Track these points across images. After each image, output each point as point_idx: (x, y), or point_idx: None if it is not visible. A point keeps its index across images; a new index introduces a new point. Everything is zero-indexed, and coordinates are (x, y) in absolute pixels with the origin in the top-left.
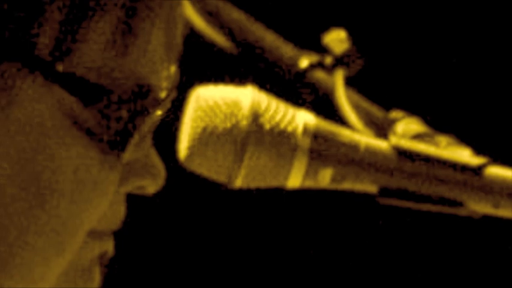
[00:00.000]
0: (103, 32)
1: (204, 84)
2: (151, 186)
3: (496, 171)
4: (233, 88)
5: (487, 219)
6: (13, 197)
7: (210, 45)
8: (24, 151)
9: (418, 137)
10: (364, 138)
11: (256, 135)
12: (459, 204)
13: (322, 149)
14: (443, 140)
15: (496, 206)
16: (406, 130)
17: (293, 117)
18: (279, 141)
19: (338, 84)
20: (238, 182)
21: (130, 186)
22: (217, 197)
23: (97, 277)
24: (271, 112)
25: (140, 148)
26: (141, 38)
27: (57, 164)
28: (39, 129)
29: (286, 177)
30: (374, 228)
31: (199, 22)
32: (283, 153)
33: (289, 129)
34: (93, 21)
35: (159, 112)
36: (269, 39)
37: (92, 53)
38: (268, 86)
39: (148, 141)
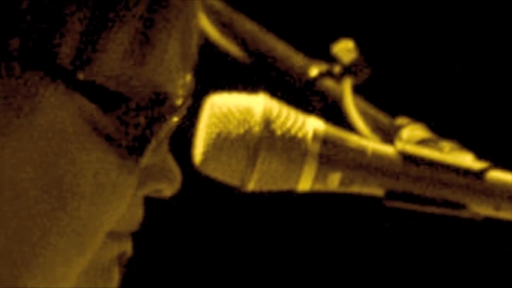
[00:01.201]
0: (122, 42)
1: (218, 92)
2: (168, 189)
3: (497, 175)
4: (246, 96)
5: (487, 222)
6: (36, 200)
7: (224, 54)
8: (46, 156)
9: (422, 142)
10: (371, 144)
11: (268, 140)
12: (462, 206)
13: (331, 154)
14: (446, 145)
15: (497, 208)
16: (411, 136)
17: (303, 124)
18: (290, 146)
19: (346, 92)
20: (251, 186)
21: (148, 190)
22: (228, 199)
23: (116, 276)
24: (282, 119)
25: (157, 153)
26: (158, 48)
27: (78, 168)
28: (61, 135)
29: (296, 181)
30: (378, 231)
31: (213, 33)
32: (294, 158)
33: (300, 135)
34: (113, 32)
35: (175, 119)
36: (280, 49)
37: (111, 62)
38: (279, 94)
39: (165, 146)
